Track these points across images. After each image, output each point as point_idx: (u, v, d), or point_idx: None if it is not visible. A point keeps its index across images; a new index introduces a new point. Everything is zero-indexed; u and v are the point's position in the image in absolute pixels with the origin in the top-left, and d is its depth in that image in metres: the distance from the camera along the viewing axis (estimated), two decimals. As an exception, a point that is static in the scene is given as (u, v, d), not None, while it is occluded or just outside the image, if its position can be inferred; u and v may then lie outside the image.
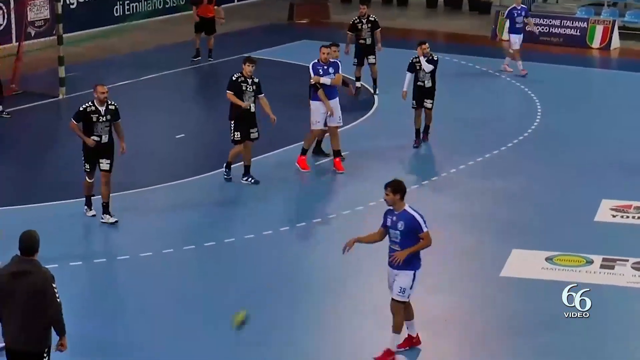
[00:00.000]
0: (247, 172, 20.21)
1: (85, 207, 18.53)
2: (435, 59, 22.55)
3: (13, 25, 29.80)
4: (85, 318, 14.66)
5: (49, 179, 20.65)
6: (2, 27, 29.34)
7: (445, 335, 14.78)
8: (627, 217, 18.87)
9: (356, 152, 22.01)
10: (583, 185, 20.58)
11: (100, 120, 17.82)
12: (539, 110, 25.39)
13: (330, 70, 20.86)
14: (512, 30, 28.53)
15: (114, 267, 16.99)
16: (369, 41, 26.11)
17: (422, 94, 22.57)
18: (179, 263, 16.99)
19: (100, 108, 17.82)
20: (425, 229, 13.56)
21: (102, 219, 18.25)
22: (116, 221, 18.22)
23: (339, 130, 21.04)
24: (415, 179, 20.64)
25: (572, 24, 32.28)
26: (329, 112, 20.69)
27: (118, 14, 33.57)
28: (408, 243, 13.45)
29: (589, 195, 19.73)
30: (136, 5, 34.02)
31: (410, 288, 13.62)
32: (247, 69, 19.74)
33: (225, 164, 20.19)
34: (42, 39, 28.79)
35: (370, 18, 26.20)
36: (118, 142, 18.15)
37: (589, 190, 20.09)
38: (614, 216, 18.90)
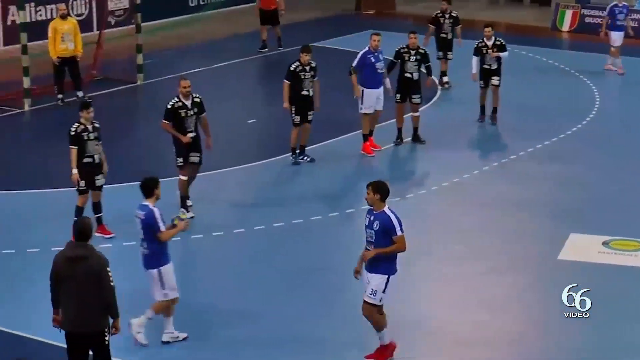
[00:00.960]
0: (302, 151, 20.47)
1: (182, 209, 16.89)
2: (502, 42, 22.91)
3: (94, 15, 30.09)
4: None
5: (126, 161, 20.82)
6: (84, 17, 29.61)
7: (505, 313, 14.85)
8: (682, 203, 18.80)
9: (427, 137, 22.04)
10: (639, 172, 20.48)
11: (189, 114, 17.59)
12: (597, 98, 25.23)
13: (380, 57, 20.98)
14: (613, 27, 27.57)
15: (188, 245, 17.12)
16: (450, 36, 25.74)
17: (488, 74, 22.96)
18: (250, 242, 17.10)
19: (186, 102, 17.57)
20: (399, 233, 12.90)
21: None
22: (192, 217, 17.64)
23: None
24: (477, 164, 20.69)
25: (631, 16, 31.92)
26: (380, 97, 20.94)
27: (193, 4, 33.84)
28: (382, 244, 12.86)
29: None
30: (210, -4, 34.30)
31: (383, 292, 13.02)
32: (305, 57, 19.94)
33: (291, 150, 20.38)
34: (121, 28, 29.09)
35: (452, 14, 25.84)
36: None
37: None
38: (669, 202, 18.84)
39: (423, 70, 21.86)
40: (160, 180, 13.52)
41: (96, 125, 16.83)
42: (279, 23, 29.46)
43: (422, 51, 21.69)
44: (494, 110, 23.22)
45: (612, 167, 20.79)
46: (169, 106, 17.61)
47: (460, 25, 25.87)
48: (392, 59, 21.76)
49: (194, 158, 17.79)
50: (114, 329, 11.77)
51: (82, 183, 16.71)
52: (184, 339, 13.63)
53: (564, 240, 17.02)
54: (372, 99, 20.93)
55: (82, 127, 16.63)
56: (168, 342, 13.56)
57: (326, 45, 28.25)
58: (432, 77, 22.38)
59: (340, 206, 18.46)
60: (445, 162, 20.80)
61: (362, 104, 20.89)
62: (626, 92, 26.03)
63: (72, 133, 16.56)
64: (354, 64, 20.95)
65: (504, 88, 23.28)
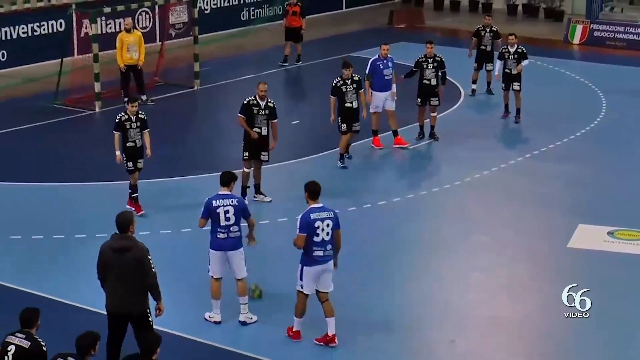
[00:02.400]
0: (346, 153, 20.40)
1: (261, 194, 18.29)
2: (523, 50, 23.14)
3: (157, 28, 30.28)
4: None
5: (187, 157, 21.01)
6: (148, 29, 29.80)
7: (518, 300, 14.92)
8: (679, 198, 18.75)
9: (446, 139, 22.06)
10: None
11: (260, 113, 17.69)
12: (604, 104, 25.17)
13: (389, 64, 21.12)
14: None
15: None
16: (489, 48, 25.26)
17: (509, 78, 23.10)
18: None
19: (260, 103, 17.72)
20: (297, 232, 12.74)
21: (255, 198, 18.18)
22: (270, 201, 18.18)
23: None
24: (496, 162, 20.67)
25: (635, 30, 31.86)
26: (387, 98, 21.05)
27: (244, 18, 33.92)
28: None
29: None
30: (259, 11, 34.32)
31: (300, 279, 12.91)
32: (346, 72, 19.73)
33: (339, 156, 20.22)
34: (181, 39, 29.20)
35: (493, 28, 25.34)
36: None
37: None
38: (667, 198, 18.80)
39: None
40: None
41: (140, 116, 17.42)
42: (302, 40, 29.10)
43: (439, 58, 21.72)
44: (518, 111, 23.34)
45: (616, 165, 20.75)
46: (245, 101, 17.86)
47: (500, 39, 25.16)
48: (412, 67, 21.91)
49: (263, 157, 18.00)
50: (157, 311, 11.98)
51: (130, 164, 17.34)
52: (255, 321, 13.70)
53: (572, 231, 17.03)
54: (379, 101, 21.08)
55: (126, 116, 17.31)
56: (245, 323, 13.65)
57: (363, 55, 28.20)
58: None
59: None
60: (468, 160, 20.84)
61: (370, 103, 20.99)
62: (631, 99, 25.90)
63: (117, 121, 17.32)
64: (367, 71, 21.06)
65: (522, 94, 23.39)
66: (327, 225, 12.76)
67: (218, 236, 13.38)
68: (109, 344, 12.06)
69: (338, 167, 20.10)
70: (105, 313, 12.11)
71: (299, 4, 28.95)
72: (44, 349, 10.58)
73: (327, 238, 12.77)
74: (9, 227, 16.87)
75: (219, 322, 13.62)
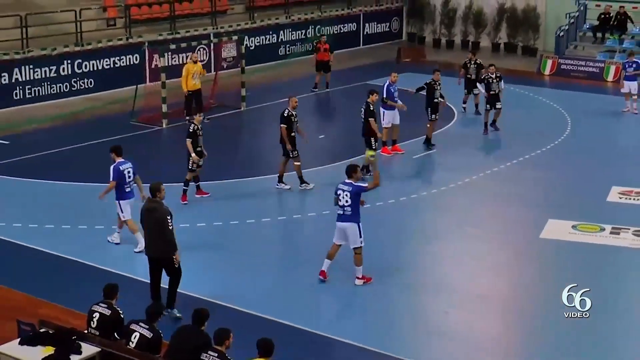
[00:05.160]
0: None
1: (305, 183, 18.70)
2: (500, 75, 23.46)
3: (212, 60, 30.34)
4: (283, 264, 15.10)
5: (234, 162, 21.05)
6: (205, 62, 29.83)
7: (501, 280, 14.83)
8: (630, 199, 18.58)
9: (442, 149, 22.01)
10: (599, 175, 20.23)
11: (294, 120, 18.31)
12: (569, 123, 25.02)
13: (396, 88, 21.41)
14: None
15: (289, 224, 17.23)
16: (474, 76, 25.16)
17: (493, 99, 23.21)
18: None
19: (295, 113, 18.33)
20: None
21: (300, 187, 18.70)
22: (312, 187, 18.64)
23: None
24: (482, 168, 20.60)
25: (594, 64, 31.67)
26: (396, 115, 21.25)
27: (281, 53, 33.93)
28: None
29: (604, 182, 19.39)
30: (293, 48, 34.30)
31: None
32: (373, 97, 19.67)
33: (364, 168, 20.04)
34: (231, 70, 29.23)
35: (477, 61, 25.38)
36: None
37: (604, 179, 19.73)
38: (620, 198, 18.63)
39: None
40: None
41: (201, 126, 17.75)
42: (329, 70, 29.08)
43: (440, 82, 22.03)
44: (494, 122, 23.52)
45: (579, 171, 20.63)
46: (285, 114, 18.25)
47: (483, 69, 24.92)
48: (423, 85, 22.10)
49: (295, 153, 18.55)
50: (174, 260, 12.50)
51: (200, 162, 17.63)
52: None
53: (544, 224, 16.96)
54: (390, 117, 21.16)
55: (196, 126, 17.55)
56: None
57: (375, 83, 28.20)
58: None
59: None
60: (460, 167, 20.77)
61: (383, 120, 21.11)
62: (590, 119, 25.75)
63: (191, 131, 17.57)
64: (384, 95, 21.05)
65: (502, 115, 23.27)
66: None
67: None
68: (150, 282, 12.80)
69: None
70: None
71: (327, 42, 29.10)
72: (122, 316, 10.62)
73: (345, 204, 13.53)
74: (88, 219, 16.92)
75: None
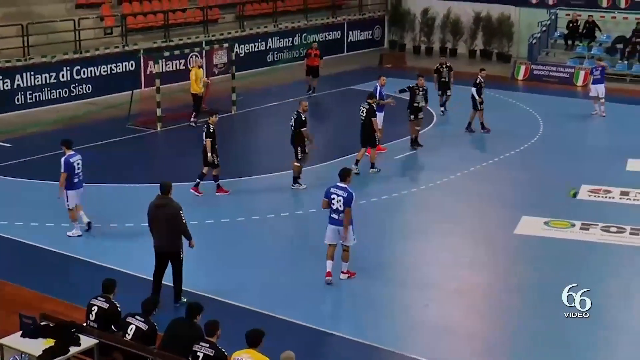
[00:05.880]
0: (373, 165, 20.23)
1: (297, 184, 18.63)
2: (478, 81, 23.51)
3: (204, 67, 30.15)
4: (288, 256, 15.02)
5: (227, 161, 20.84)
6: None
7: (481, 270, 14.85)
8: (598, 196, 18.65)
9: (422, 150, 22.03)
10: (570, 174, 20.20)
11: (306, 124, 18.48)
12: (541, 124, 25.08)
13: (385, 91, 21.67)
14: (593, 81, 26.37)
15: (295, 219, 17.17)
16: (447, 79, 25.71)
17: (481, 101, 23.47)
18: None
19: (305, 115, 18.42)
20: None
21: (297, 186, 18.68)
22: (305, 187, 18.52)
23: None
24: (459, 169, 20.59)
25: (564, 70, 31.76)
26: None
27: (270, 59, 33.85)
28: None
29: (574, 181, 19.33)
30: (281, 55, 34.23)
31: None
32: (372, 100, 19.76)
33: (371, 165, 20.08)
34: (222, 76, 29.16)
35: (447, 65, 25.97)
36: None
37: (574, 177, 19.72)
38: (589, 196, 18.68)
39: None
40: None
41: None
42: (318, 76, 29.09)
43: (426, 88, 22.11)
44: (482, 124, 23.68)
45: (551, 170, 20.64)
46: (303, 118, 18.32)
47: (453, 71, 25.91)
48: (406, 87, 22.19)
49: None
50: (190, 245, 12.73)
51: (217, 160, 17.79)
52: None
53: (518, 221, 16.99)
54: (381, 118, 21.16)
55: (213, 126, 17.75)
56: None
57: (359, 88, 28.16)
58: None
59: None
60: (439, 167, 20.79)
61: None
62: (561, 120, 25.82)
63: (211, 131, 17.72)
64: (377, 96, 20.93)
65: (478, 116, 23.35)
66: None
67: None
68: (155, 275, 12.77)
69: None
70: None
71: (318, 48, 29.18)
72: (119, 309, 10.58)
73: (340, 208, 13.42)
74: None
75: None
